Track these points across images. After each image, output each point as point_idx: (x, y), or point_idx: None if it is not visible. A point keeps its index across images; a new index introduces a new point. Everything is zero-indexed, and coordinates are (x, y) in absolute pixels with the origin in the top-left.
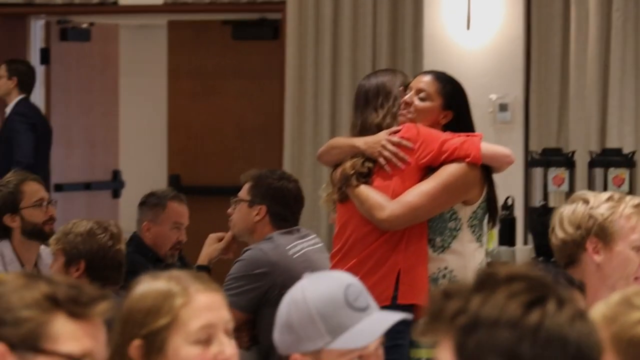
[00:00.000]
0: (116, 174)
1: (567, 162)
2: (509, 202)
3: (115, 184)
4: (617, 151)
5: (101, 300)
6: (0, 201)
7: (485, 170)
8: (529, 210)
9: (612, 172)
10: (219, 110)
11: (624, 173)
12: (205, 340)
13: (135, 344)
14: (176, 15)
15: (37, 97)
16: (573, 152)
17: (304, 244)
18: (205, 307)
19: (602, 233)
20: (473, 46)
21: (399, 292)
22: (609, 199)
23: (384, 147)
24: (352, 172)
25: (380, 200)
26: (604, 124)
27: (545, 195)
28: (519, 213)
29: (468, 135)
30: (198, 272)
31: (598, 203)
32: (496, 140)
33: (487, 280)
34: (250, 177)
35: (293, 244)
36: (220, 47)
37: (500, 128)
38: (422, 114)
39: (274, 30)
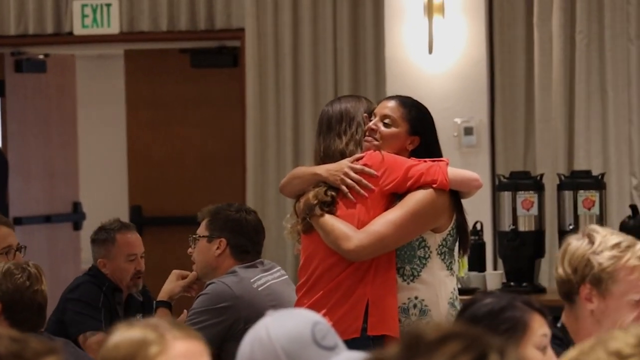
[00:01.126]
0: (77, 206)
1: (536, 185)
2: (478, 227)
3: (76, 216)
4: (586, 173)
5: (47, 355)
6: None
7: (454, 197)
8: (498, 234)
9: (582, 195)
10: (180, 139)
11: (594, 195)
12: None
13: None
14: (133, 44)
15: None
16: (541, 175)
17: (269, 276)
18: (182, 355)
19: (597, 282)
20: (436, 70)
21: (368, 324)
22: (616, 245)
23: (346, 174)
24: (316, 201)
25: (346, 230)
26: (570, 145)
27: (515, 220)
28: (487, 238)
29: (434, 161)
30: (176, 321)
31: (602, 248)
32: (462, 164)
33: (417, 345)
34: (207, 212)
35: (257, 277)
36: (179, 75)
37: (466, 152)
38: (387, 140)
39: (234, 58)
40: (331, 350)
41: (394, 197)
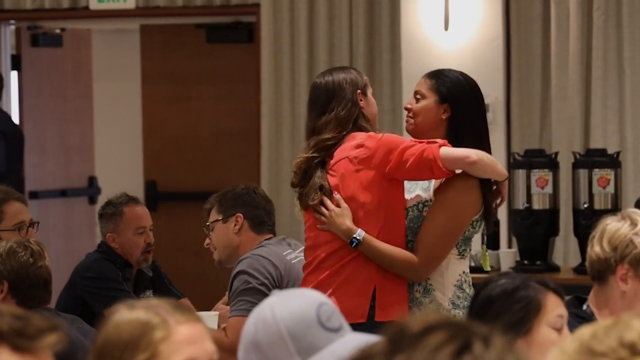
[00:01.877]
0: (92, 180)
1: (551, 163)
2: None
3: (91, 191)
4: (602, 151)
5: (50, 332)
6: None
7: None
8: (512, 213)
9: (597, 173)
10: (195, 114)
11: (609, 174)
12: None
13: None
14: (148, 19)
15: (9, 103)
16: (556, 154)
17: (298, 253)
18: (186, 340)
19: (636, 263)
20: (452, 47)
21: (376, 310)
22: None
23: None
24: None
25: (405, 259)
26: (587, 123)
27: (529, 198)
28: (502, 216)
29: (429, 142)
30: (177, 301)
31: None
32: None
33: (402, 337)
34: (214, 199)
35: (288, 251)
36: (195, 51)
37: None
38: (420, 114)
39: (249, 33)
40: (336, 332)
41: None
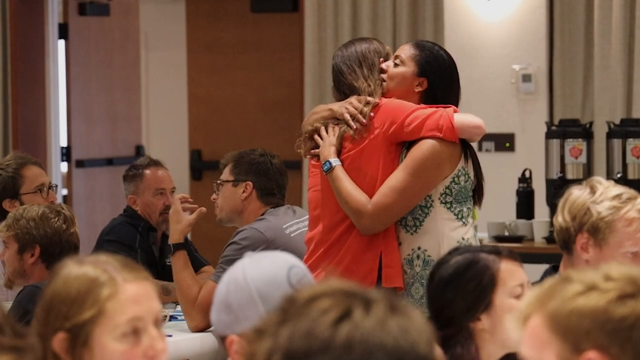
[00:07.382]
0: (139, 149)
1: (585, 133)
2: (527, 174)
3: (138, 159)
4: (636, 121)
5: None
6: (0, 186)
7: (463, 145)
8: (546, 182)
9: (631, 143)
10: (239, 84)
11: None
12: (133, 334)
13: (59, 337)
14: None
15: (57, 72)
16: (591, 123)
17: (300, 224)
18: (133, 299)
19: (594, 231)
20: (495, 16)
21: (383, 276)
22: (617, 196)
23: (351, 103)
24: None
25: (359, 203)
26: (629, 93)
27: (563, 167)
28: (538, 186)
29: (439, 107)
30: (127, 259)
31: (603, 198)
32: (520, 111)
33: (290, 307)
34: (230, 158)
35: (289, 223)
36: (239, 20)
37: (523, 99)
38: (394, 79)
39: (293, 3)
40: None
41: (402, 146)
